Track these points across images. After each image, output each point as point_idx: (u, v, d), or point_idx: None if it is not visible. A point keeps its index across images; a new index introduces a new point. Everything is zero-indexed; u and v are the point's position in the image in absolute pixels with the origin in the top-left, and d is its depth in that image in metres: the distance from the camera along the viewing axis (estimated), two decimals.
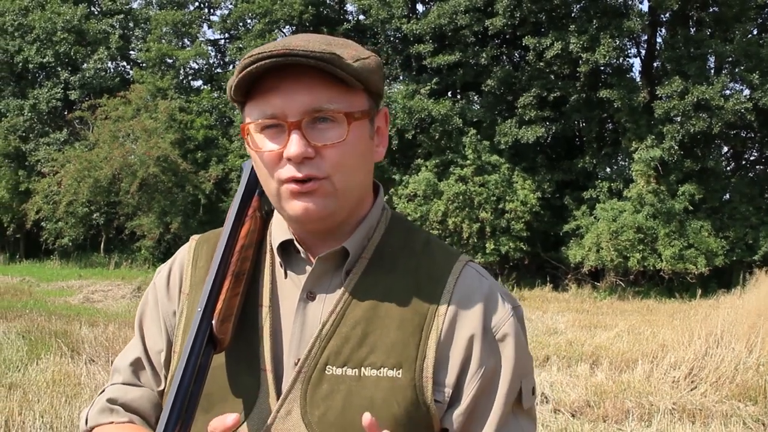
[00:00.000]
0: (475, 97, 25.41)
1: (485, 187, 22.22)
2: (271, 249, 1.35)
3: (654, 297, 19.86)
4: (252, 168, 1.36)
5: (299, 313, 1.28)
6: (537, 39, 22.50)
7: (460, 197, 21.94)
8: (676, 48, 22.41)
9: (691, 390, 7.45)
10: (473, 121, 23.51)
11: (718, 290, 19.28)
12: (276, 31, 26.57)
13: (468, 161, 22.41)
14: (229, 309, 1.25)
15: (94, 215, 27.56)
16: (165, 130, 25.87)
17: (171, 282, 1.42)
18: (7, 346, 8.90)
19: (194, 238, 1.46)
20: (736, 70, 22.43)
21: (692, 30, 23.40)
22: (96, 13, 32.15)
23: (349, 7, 28.33)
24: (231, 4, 30.09)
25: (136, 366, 1.42)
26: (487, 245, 22.09)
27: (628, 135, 22.08)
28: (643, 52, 24.95)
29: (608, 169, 23.56)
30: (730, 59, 22.73)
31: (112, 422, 1.37)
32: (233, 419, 1.11)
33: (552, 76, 23.44)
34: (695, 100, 20.56)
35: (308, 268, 1.31)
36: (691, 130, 20.80)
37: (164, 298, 1.41)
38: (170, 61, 29.42)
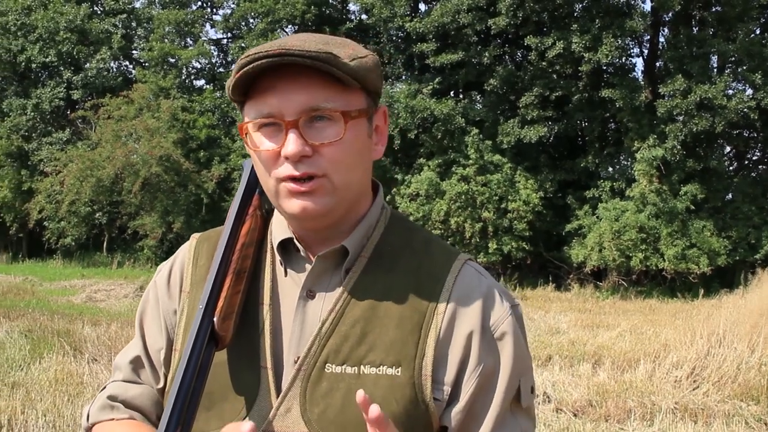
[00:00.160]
0: (478, 97, 25.40)
1: (488, 187, 22.21)
2: (272, 247, 1.35)
3: (656, 297, 19.85)
4: (252, 167, 1.37)
5: (299, 312, 1.29)
6: (539, 38, 22.49)
7: (463, 197, 21.93)
8: (678, 47, 22.39)
9: (693, 390, 7.45)
10: (476, 120, 23.50)
11: (720, 290, 19.27)
12: (278, 30, 26.58)
13: (470, 161, 22.40)
14: (230, 307, 1.26)
15: (97, 215, 27.60)
16: (167, 130, 25.89)
17: (172, 280, 1.42)
18: (10, 345, 8.91)
19: (195, 237, 1.47)
20: (739, 70, 22.42)
21: (695, 29, 23.37)
22: (99, 12, 32.19)
23: (352, 7, 28.35)
24: (233, 3, 30.10)
25: (136, 364, 1.43)
26: (489, 245, 22.08)
27: (631, 135, 22.06)
28: (646, 51, 24.94)
29: (610, 169, 23.55)
30: (733, 59, 22.72)
31: (112, 419, 1.38)
32: (249, 429, 1.11)
33: (554, 76, 23.43)
34: (698, 99, 20.53)
35: (308, 267, 1.31)
36: (694, 130, 20.78)
37: (165, 296, 1.41)
38: (173, 60, 29.44)
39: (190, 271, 1.40)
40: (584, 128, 24.71)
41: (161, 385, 1.40)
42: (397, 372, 1.23)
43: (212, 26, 31.74)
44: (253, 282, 1.33)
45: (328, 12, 27.36)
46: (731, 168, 24.94)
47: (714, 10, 23.10)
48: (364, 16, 27.45)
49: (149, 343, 1.42)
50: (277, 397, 1.25)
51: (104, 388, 1.44)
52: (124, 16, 31.69)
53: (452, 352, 1.26)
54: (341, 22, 27.29)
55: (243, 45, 27.46)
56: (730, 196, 22.89)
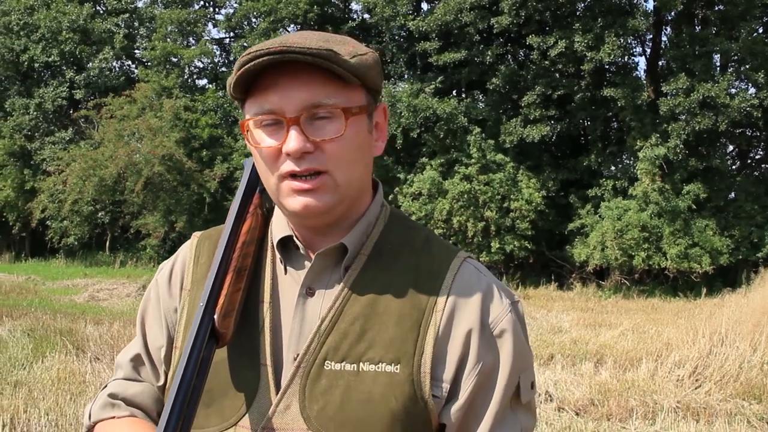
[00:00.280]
0: (480, 96, 25.39)
1: (490, 186, 22.20)
2: (272, 245, 1.36)
3: (659, 296, 19.82)
4: (253, 165, 1.37)
5: (299, 309, 1.29)
6: (541, 38, 22.47)
7: (465, 196, 21.91)
8: (681, 46, 22.37)
9: (696, 388, 7.45)
10: (478, 119, 23.49)
11: (723, 289, 19.24)
12: (281, 29, 26.58)
13: (473, 160, 22.38)
14: (231, 304, 1.26)
15: (99, 214, 27.63)
16: (170, 129, 25.89)
17: (173, 279, 1.43)
18: (12, 344, 8.93)
19: (196, 235, 1.47)
20: (742, 68, 22.39)
21: (697, 28, 23.34)
22: (101, 12, 32.22)
23: (354, 6, 28.35)
24: (236, 2, 30.13)
25: (137, 362, 1.44)
26: (492, 244, 22.06)
27: (633, 133, 22.04)
28: (648, 50, 24.91)
29: (613, 168, 23.53)
30: (736, 58, 22.69)
31: (113, 417, 1.39)
32: None
33: (557, 75, 23.42)
34: (701, 97, 20.50)
35: (307, 264, 1.32)
36: (697, 128, 20.75)
37: (166, 294, 1.42)
38: (175, 59, 29.45)
39: (191, 270, 1.41)
40: (587, 127, 24.69)
41: (162, 382, 1.41)
42: (396, 369, 1.23)
43: (215, 25, 31.79)
44: (254, 280, 1.34)
45: (330, 11, 27.37)
46: (734, 167, 24.90)
47: (716, 8, 23.05)
48: (366, 15, 27.44)
49: (150, 341, 1.43)
50: (277, 394, 1.25)
51: (106, 386, 1.45)
52: (127, 15, 31.72)
53: (451, 349, 1.26)
54: (343, 21, 27.30)
55: (245, 44, 27.47)
56: (732, 195, 22.85)
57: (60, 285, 19.05)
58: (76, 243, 27.67)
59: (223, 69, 30.75)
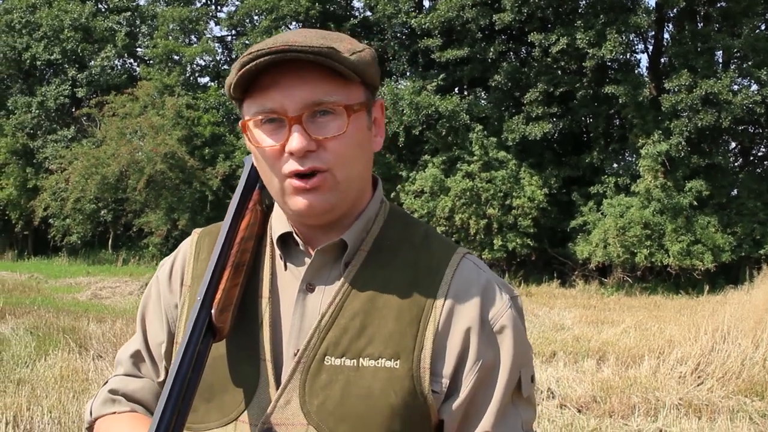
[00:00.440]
0: (482, 93, 25.37)
1: (492, 183, 22.20)
2: (272, 241, 1.36)
3: (661, 293, 19.82)
4: (253, 162, 1.38)
5: (299, 305, 1.30)
6: (543, 35, 22.46)
7: (467, 193, 21.91)
8: (683, 43, 22.34)
9: (698, 385, 7.45)
10: (480, 117, 23.49)
11: (725, 286, 19.23)
12: (283, 27, 26.56)
13: (475, 157, 22.38)
14: (228, 299, 1.27)
15: (102, 212, 27.67)
16: (172, 127, 25.91)
17: (173, 275, 1.44)
18: (15, 342, 8.95)
19: (196, 232, 1.48)
20: (744, 65, 22.36)
21: (699, 25, 23.31)
22: (103, 10, 32.25)
23: (356, 3, 28.39)
24: (237, 0, 30.13)
25: (137, 358, 1.45)
26: (494, 241, 22.07)
27: (635, 130, 22.02)
28: (650, 47, 24.88)
29: (615, 165, 23.50)
30: (738, 54, 22.66)
31: (114, 412, 1.40)
32: None
33: (559, 72, 23.39)
34: (703, 93, 20.48)
35: (307, 260, 1.32)
36: (699, 125, 20.73)
37: (166, 290, 1.43)
38: (177, 57, 29.47)
39: (192, 266, 1.41)
40: (589, 124, 24.68)
41: (162, 378, 1.42)
42: (396, 364, 1.24)
43: (216, 23, 31.84)
44: (253, 275, 1.34)
45: (332, 8, 27.36)
46: (736, 164, 24.89)
47: (719, 5, 23.02)
48: (368, 13, 27.43)
49: (150, 337, 1.43)
50: (277, 389, 1.26)
51: (106, 382, 1.46)
52: (129, 13, 31.76)
53: (451, 345, 1.27)
54: (345, 19, 27.30)
55: (247, 42, 27.46)
56: (735, 192, 22.82)
57: (63, 283, 19.08)
58: (78, 241, 27.73)
59: (225, 67, 30.76)
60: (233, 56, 30.68)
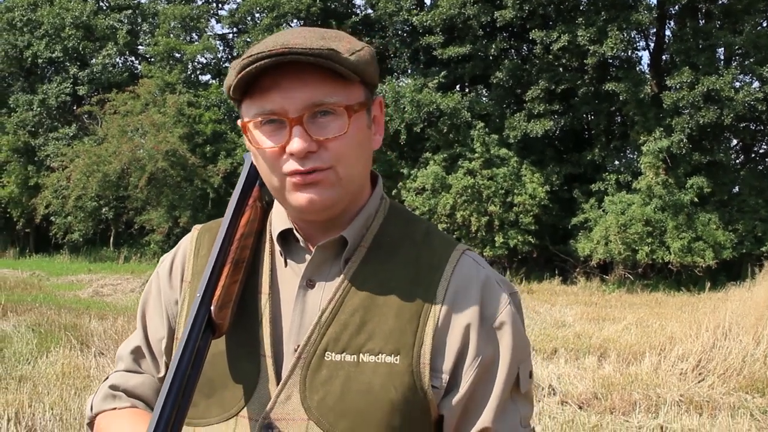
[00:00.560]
0: (484, 91, 25.36)
1: (494, 181, 22.20)
2: (271, 238, 1.37)
3: (662, 290, 19.81)
4: (252, 159, 1.38)
5: (299, 301, 1.30)
6: (545, 32, 22.44)
7: (469, 191, 21.92)
8: (685, 40, 22.31)
9: (699, 382, 7.45)
10: (482, 114, 23.49)
11: (727, 283, 19.22)
12: (284, 24, 26.55)
13: (476, 154, 22.38)
14: (227, 295, 1.27)
15: (103, 210, 27.70)
16: (173, 125, 25.91)
17: (173, 271, 1.44)
18: (17, 339, 8.96)
19: (197, 228, 1.48)
20: (746, 62, 22.34)
21: (701, 22, 23.29)
22: (104, 8, 32.26)
23: (357, 1, 28.35)
24: None
25: (137, 354, 1.45)
26: (495, 239, 22.07)
27: (637, 128, 22.02)
28: (652, 44, 24.86)
29: (616, 162, 23.49)
30: (740, 51, 22.64)
31: (114, 408, 1.40)
32: None
33: (560, 69, 23.38)
34: (705, 90, 20.47)
35: (308, 257, 1.33)
36: (701, 122, 20.71)
37: (167, 286, 1.43)
38: (178, 55, 29.46)
39: (192, 262, 1.42)
40: (590, 121, 24.68)
41: (162, 374, 1.42)
42: (396, 360, 1.24)
43: (218, 21, 31.81)
44: (253, 272, 1.35)
45: (333, 6, 27.34)
46: (738, 161, 24.87)
47: (720, 2, 23.03)
48: (369, 10, 27.41)
49: (150, 333, 1.44)
50: (277, 384, 1.26)
51: (107, 378, 1.46)
52: (130, 11, 31.76)
53: (450, 341, 1.27)
54: (347, 16, 27.28)
55: (248, 39, 27.44)
56: (736, 189, 22.82)
57: (64, 280, 19.09)
58: (80, 238, 27.75)
59: (226, 65, 30.72)
60: (234, 54, 30.64)
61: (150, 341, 1.44)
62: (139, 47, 32.87)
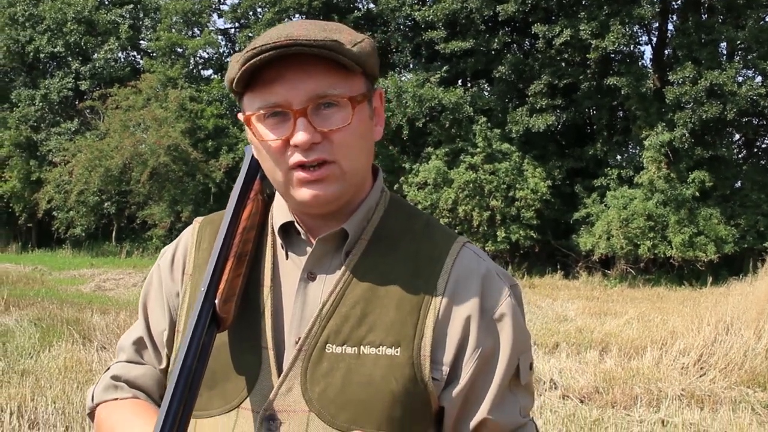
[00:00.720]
0: (486, 85, 25.33)
1: (495, 175, 22.19)
2: (273, 231, 1.37)
3: (664, 285, 19.81)
4: (253, 152, 1.38)
5: (300, 293, 1.31)
6: (547, 26, 22.41)
7: (471, 185, 21.92)
8: (687, 34, 22.27)
9: (700, 376, 7.46)
10: (484, 109, 23.47)
11: (728, 278, 19.20)
12: (286, 19, 26.50)
13: (478, 149, 22.37)
14: (231, 289, 1.27)
15: (105, 204, 27.70)
16: (175, 120, 25.91)
17: (175, 263, 1.44)
18: (19, 333, 8.98)
19: (198, 221, 1.48)
20: (749, 57, 22.31)
21: (704, 16, 23.24)
22: (106, 2, 32.21)
23: None
24: None
25: (139, 345, 1.45)
26: (497, 233, 22.07)
27: (639, 122, 22.00)
28: (654, 39, 24.83)
29: (618, 157, 23.48)
30: (742, 46, 22.60)
31: (116, 398, 1.41)
32: None
33: (563, 64, 23.35)
34: (708, 84, 20.44)
35: (309, 250, 1.33)
36: (704, 117, 20.69)
37: (168, 279, 1.43)
38: (180, 50, 29.44)
39: (193, 255, 1.42)
40: (592, 116, 24.66)
41: (164, 365, 1.42)
42: (397, 352, 1.25)
43: (219, 16, 31.74)
44: (255, 265, 1.35)
45: (335, 1, 27.30)
46: (740, 156, 24.84)
47: None
48: (371, 5, 27.37)
49: (152, 325, 1.44)
50: (279, 376, 1.27)
51: (108, 369, 1.47)
52: (132, 6, 31.71)
53: (451, 333, 1.28)
54: (349, 11, 27.24)
55: (250, 34, 27.43)
56: (739, 183, 22.80)
57: (66, 275, 19.11)
58: (82, 233, 27.77)
59: (228, 59, 30.53)
60: (236, 48, 30.58)
61: (152, 332, 1.44)
62: (141, 42, 32.87)
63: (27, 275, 18.02)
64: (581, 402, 6.73)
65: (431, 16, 23.51)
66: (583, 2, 22.81)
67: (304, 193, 1.24)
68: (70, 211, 27.38)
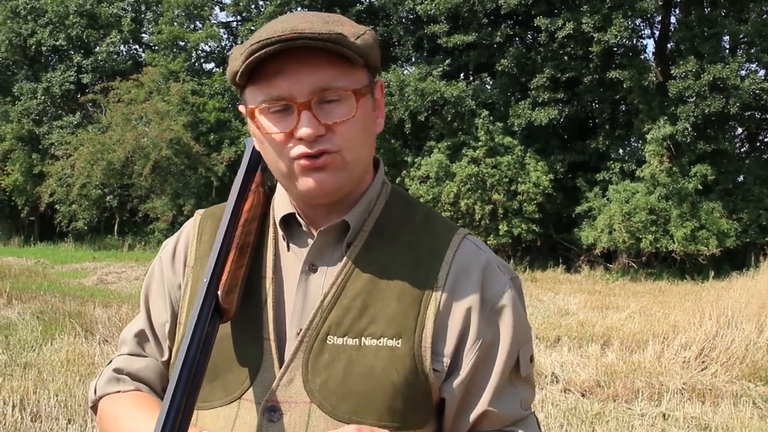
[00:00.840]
0: (488, 79, 25.31)
1: (498, 169, 22.18)
2: (274, 223, 1.37)
3: (666, 278, 19.82)
4: (254, 144, 1.38)
5: (301, 285, 1.31)
6: (549, 19, 22.36)
7: (473, 179, 21.91)
8: (690, 28, 22.23)
9: (702, 370, 7.46)
10: (486, 102, 23.43)
11: (730, 272, 19.21)
12: (288, 12, 26.47)
13: (480, 143, 22.35)
14: (234, 280, 1.27)
15: (108, 198, 27.73)
16: (177, 113, 25.91)
17: (176, 256, 1.44)
18: (22, 326, 9.00)
19: (199, 213, 1.48)
20: (752, 50, 22.26)
21: (706, 10, 23.19)
22: None
23: None
24: None
25: (141, 337, 1.45)
26: (499, 227, 22.07)
27: (641, 116, 21.97)
28: (657, 33, 24.78)
29: (621, 151, 23.46)
30: (745, 40, 22.55)
31: (119, 391, 1.41)
32: None
33: (565, 57, 23.31)
34: (711, 78, 20.40)
35: (310, 241, 1.33)
36: (706, 111, 20.66)
37: (169, 271, 1.43)
38: (182, 43, 29.42)
39: (195, 247, 1.42)
40: (595, 110, 24.61)
41: (166, 357, 1.43)
42: (398, 343, 1.25)
43: (221, 9, 31.70)
44: (256, 257, 1.35)
45: None
46: (743, 150, 24.81)
47: None
48: None
49: (154, 317, 1.44)
50: (280, 368, 1.27)
51: (111, 362, 1.47)
52: None
53: (451, 325, 1.28)
54: (351, 4, 27.18)
55: (252, 27, 27.39)
56: (741, 177, 22.78)
57: (69, 268, 19.14)
58: (84, 227, 27.81)
59: (231, 52, 30.64)
60: (238, 42, 30.54)
61: (153, 325, 1.44)
62: (143, 35, 32.85)
63: (29, 268, 18.06)
64: (583, 396, 6.74)
65: (433, 10, 23.45)
66: None
67: (308, 182, 1.24)
68: (72, 204, 27.41)
